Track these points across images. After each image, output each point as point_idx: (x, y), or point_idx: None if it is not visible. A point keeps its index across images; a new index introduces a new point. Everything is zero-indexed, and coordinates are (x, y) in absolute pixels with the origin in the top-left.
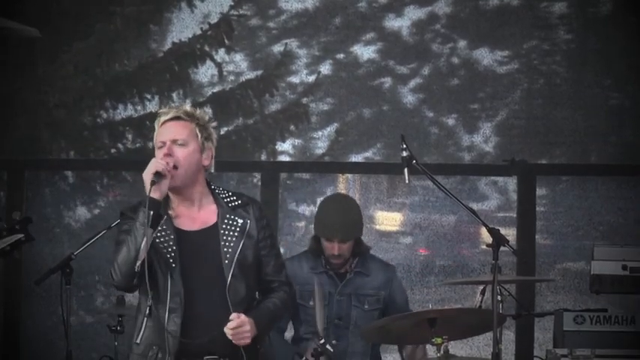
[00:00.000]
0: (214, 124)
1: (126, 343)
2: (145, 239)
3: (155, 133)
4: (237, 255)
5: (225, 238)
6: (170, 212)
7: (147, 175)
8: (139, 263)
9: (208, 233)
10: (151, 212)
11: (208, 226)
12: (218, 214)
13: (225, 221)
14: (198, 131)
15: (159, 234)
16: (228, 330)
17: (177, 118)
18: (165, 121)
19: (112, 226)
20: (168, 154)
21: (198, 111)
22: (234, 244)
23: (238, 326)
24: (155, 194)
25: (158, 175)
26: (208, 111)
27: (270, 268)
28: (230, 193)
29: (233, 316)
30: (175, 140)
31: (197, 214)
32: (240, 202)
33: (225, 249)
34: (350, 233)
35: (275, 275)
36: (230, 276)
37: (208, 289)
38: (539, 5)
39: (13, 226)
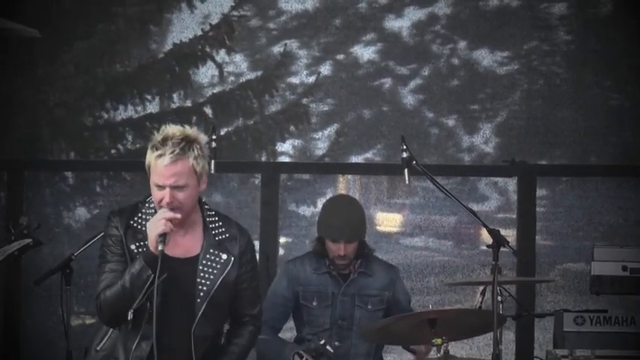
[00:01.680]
0: (206, 138)
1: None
2: (141, 294)
3: (149, 161)
4: (211, 293)
5: (202, 274)
6: None
7: (153, 234)
8: (131, 311)
9: (188, 263)
10: (160, 274)
11: (190, 256)
12: (202, 246)
13: (208, 256)
14: (195, 165)
15: (141, 255)
16: None
17: (174, 160)
18: (161, 163)
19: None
20: (171, 202)
21: (192, 132)
22: (211, 282)
23: None
24: (158, 251)
25: (164, 236)
26: (208, 111)
27: (246, 300)
28: (220, 223)
29: None
30: (176, 186)
31: (181, 239)
32: (228, 235)
33: (200, 285)
34: (355, 234)
35: (248, 309)
36: (199, 314)
37: (176, 319)
38: (539, 6)
39: (21, 231)
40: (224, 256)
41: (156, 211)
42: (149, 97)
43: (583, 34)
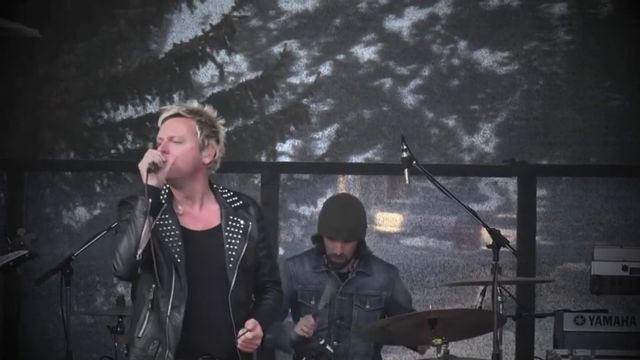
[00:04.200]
0: (222, 121)
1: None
2: (145, 228)
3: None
4: (240, 258)
5: (229, 240)
6: (175, 210)
7: (143, 165)
8: (140, 252)
9: (212, 234)
10: (150, 200)
11: (212, 227)
12: (221, 215)
13: (230, 223)
14: (198, 128)
15: (164, 228)
16: (244, 336)
17: (177, 115)
18: (165, 118)
19: (112, 227)
20: (164, 152)
21: (204, 107)
22: (238, 247)
23: (255, 336)
24: (152, 181)
25: (154, 165)
26: None
27: (267, 269)
28: (231, 193)
29: (250, 323)
30: (172, 137)
31: (199, 214)
32: (241, 202)
33: (229, 252)
34: (353, 234)
35: (270, 276)
36: (234, 281)
37: (210, 290)
38: (540, 6)
39: (18, 242)
40: (242, 222)
41: (167, 194)
42: (149, 97)
43: (583, 34)
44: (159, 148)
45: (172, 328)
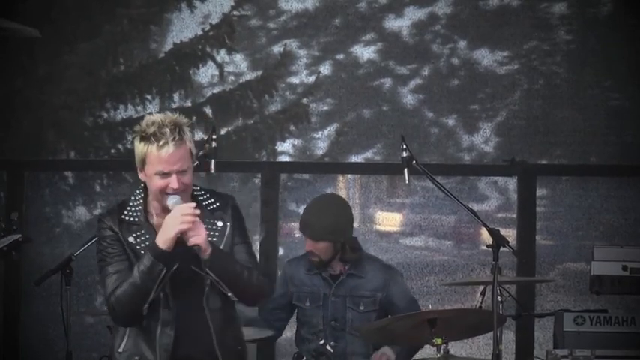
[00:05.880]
0: (187, 119)
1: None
2: (155, 287)
3: (144, 153)
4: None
5: None
6: (151, 220)
7: (173, 229)
8: (146, 306)
9: None
10: (171, 266)
11: None
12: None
13: (206, 226)
14: (191, 148)
15: (143, 245)
16: None
17: (178, 147)
18: (166, 149)
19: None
20: (179, 187)
21: (175, 117)
22: None
23: None
24: (170, 247)
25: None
26: (208, 111)
27: (242, 255)
28: (208, 195)
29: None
30: (180, 171)
31: None
32: (218, 204)
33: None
34: (321, 233)
35: (245, 261)
36: (208, 285)
37: (188, 296)
38: (540, 6)
39: (11, 226)
40: (219, 224)
41: (143, 202)
42: (149, 96)
43: (583, 34)
44: (172, 187)
45: (163, 348)
